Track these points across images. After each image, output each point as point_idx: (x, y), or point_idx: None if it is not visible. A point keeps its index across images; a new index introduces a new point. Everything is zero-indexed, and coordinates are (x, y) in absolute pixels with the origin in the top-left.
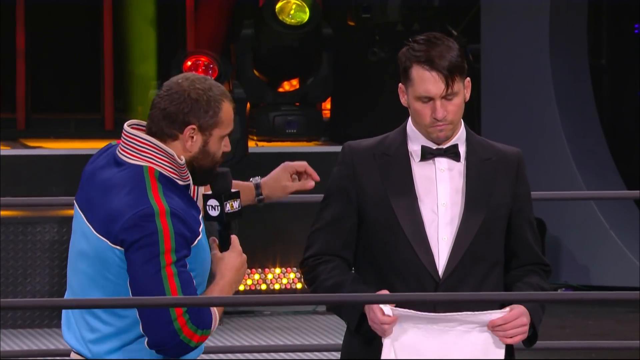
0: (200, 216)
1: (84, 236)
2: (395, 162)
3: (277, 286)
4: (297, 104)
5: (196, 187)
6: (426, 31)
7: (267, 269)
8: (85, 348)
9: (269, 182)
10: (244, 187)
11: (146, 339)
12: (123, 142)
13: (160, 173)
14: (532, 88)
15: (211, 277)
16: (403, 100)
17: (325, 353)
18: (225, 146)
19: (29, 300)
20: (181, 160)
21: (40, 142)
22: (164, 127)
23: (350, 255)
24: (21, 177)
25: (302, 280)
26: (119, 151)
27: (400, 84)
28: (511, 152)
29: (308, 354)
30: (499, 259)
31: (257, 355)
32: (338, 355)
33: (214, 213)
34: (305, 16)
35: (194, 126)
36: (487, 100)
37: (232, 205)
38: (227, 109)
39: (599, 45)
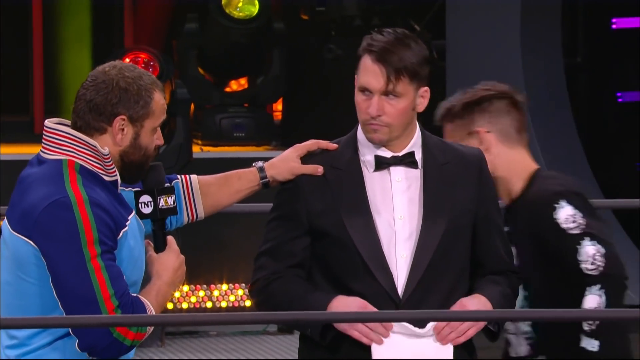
0: (132, 215)
1: (4, 242)
2: (346, 176)
3: (224, 304)
4: (246, 105)
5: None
6: (387, 26)
7: (212, 285)
8: (3, 354)
9: (276, 162)
10: (245, 173)
11: (77, 341)
12: (44, 138)
13: (82, 166)
14: None
15: (147, 280)
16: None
17: None
18: (158, 139)
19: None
20: (105, 150)
21: None
22: (91, 120)
23: (303, 274)
24: None
25: (254, 303)
26: (41, 149)
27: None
28: (471, 154)
29: None
30: (464, 271)
31: None
32: None
33: (147, 210)
34: (255, 9)
35: (123, 117)
36: None
37: (167, 201)
38: (158, 99)
39: (574, 42)
